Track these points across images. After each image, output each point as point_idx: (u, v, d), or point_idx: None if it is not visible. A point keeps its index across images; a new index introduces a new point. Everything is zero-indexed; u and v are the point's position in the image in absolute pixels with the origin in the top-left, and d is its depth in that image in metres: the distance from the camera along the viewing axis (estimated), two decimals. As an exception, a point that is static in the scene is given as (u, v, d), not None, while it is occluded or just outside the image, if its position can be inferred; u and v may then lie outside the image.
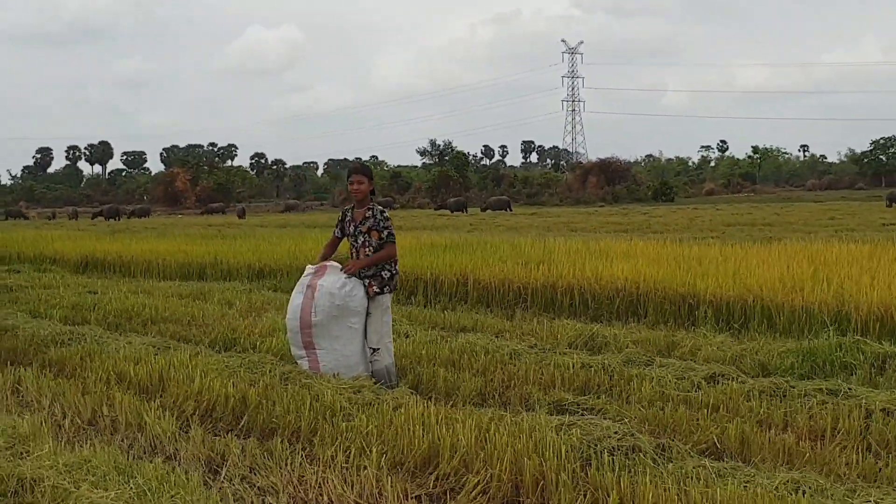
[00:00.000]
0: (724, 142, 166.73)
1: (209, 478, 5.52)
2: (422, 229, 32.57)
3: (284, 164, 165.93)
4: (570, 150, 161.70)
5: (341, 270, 7.89)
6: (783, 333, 9.43)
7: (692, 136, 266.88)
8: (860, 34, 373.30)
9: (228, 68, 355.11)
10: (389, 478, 5.12)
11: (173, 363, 8.14)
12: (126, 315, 12.00)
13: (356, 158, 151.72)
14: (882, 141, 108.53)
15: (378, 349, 7.75)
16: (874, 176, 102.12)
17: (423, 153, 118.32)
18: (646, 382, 7.20)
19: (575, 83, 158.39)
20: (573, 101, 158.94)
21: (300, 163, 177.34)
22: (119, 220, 65.18)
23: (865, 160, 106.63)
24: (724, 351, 8.54)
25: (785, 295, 9.81)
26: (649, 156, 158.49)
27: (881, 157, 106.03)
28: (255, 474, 5.48)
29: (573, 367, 7.83)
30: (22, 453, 5.60)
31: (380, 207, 7.96)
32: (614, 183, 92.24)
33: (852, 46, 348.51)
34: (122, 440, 6.63)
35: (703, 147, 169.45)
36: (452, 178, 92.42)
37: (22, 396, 7.99)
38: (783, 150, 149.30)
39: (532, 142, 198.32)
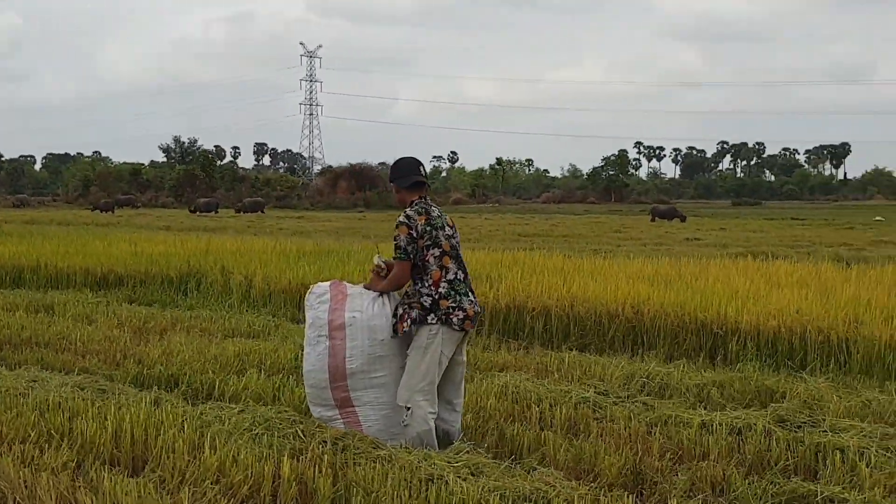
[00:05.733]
0: (454, 153, 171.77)
1: None
2: (211, 231, 29.59)
3: (1, 156, 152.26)
4: (306, 155, 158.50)
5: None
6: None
7: (425, 146, 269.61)
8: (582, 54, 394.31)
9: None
10: None
11: (136, 418, 5.53)
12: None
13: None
14: (612, 158, 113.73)
15: (409, 409, 5.48)
16: (605, 191, 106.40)
17: (166, 150, 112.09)
18: (872, 457, 5.22)
19: (313, 87, 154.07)
20: (311, 104, 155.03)
21: (16, 156, 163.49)
22: None
23: (601, 175, 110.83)
24: (849, 402, 6.66)
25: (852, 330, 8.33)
26: (382, 163, 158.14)
27: (610, 172, 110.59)
28: None
29: (707, 427, 5.93)
30: None
31: (404, 212, 5.74)
32: (366, 189, 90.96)
33: (575, 66, 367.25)
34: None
35: (434, 157, 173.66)
36: (199, 178, 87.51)
37: None
38: (518, 163, 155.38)
39: (265, 144, 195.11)
